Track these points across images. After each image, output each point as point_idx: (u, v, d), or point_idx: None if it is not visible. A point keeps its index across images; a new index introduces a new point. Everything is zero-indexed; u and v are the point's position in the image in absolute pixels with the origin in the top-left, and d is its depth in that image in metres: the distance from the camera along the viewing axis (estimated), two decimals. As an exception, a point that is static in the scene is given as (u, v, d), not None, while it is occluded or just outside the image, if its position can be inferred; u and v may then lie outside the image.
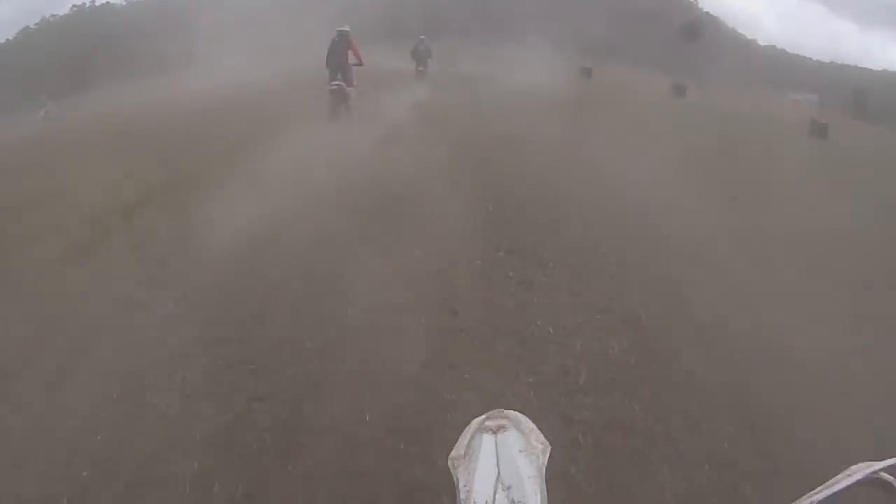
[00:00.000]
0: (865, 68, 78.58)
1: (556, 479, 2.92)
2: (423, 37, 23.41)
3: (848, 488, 1.20)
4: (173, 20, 60.54)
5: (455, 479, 1.36)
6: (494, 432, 1.45)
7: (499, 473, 1.30)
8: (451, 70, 28.94)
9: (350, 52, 14.61)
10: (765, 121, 25.81)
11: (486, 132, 15.27)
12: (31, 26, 79.29)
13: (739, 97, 37.06)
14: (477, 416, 1.56)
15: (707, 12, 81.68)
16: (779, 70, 77.45)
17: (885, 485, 1.21)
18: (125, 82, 51.27)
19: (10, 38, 78.52)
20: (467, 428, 1.55)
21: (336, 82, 14.63)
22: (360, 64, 14.98)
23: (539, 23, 55.73)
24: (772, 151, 17.82)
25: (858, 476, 1.23)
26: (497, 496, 1.24)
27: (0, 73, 65.19)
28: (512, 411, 1.58)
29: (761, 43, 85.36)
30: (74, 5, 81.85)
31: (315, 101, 16.78)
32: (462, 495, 1.28)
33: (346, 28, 14.61)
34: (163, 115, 19.94)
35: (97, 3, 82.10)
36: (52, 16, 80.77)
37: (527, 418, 1.55)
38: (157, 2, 78.68)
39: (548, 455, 1.40)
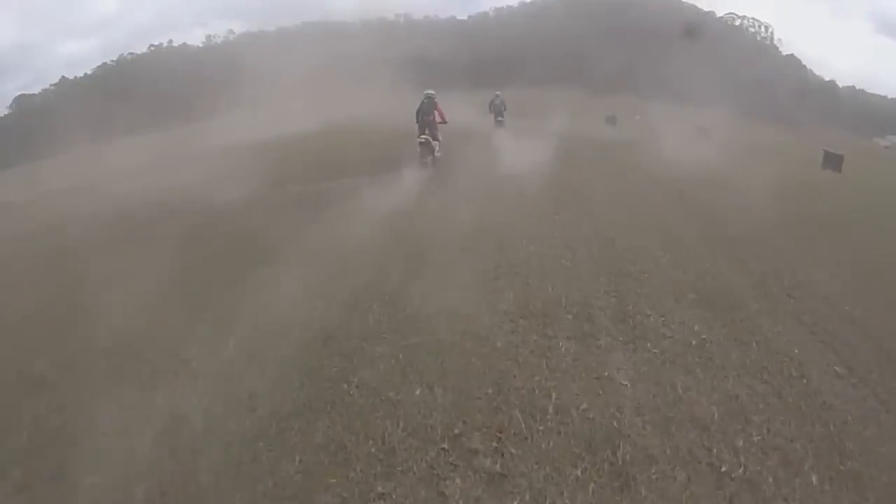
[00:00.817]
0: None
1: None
2: (499, 92, 23.35)
3: None
4: (248, 62, 57.34)
5: None
6: None
7: None
8: (540, 127, 23.86)
9: (436, 112, 15.43)
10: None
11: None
12: (109, 63, 77.74)
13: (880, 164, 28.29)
14: None
15: (792, 54, 73.11)
16: (860, 112, 67.88)
17: None
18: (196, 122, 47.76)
19: (89, 72, 77.27)
20: None
21: (424, 136, 15.32)
22: (444, 122, 15.72)
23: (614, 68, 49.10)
24: None
25: None
26: None
27: (73, 107, 63.10)
28: None
29: (840, 84, 76.21)
30: (153, 45, 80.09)
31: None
32: None
33: (432, 91, 15.48)
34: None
35: (175, 44, 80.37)
36: (130, 54, 79.07)
37: None
38: (234, 44, 76.33)
39: None
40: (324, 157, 19.46)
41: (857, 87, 78.62)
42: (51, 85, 75.62)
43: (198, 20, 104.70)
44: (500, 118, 22.70)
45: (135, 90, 67.05)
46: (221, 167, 18.07)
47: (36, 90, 74.37)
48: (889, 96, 76.38)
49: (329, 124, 30.98)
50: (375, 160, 16.53)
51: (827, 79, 74.64)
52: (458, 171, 14.92)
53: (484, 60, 55.37)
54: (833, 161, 22.25)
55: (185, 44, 79.01)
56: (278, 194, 14.04)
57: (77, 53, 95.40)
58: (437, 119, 15.47)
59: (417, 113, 15.40)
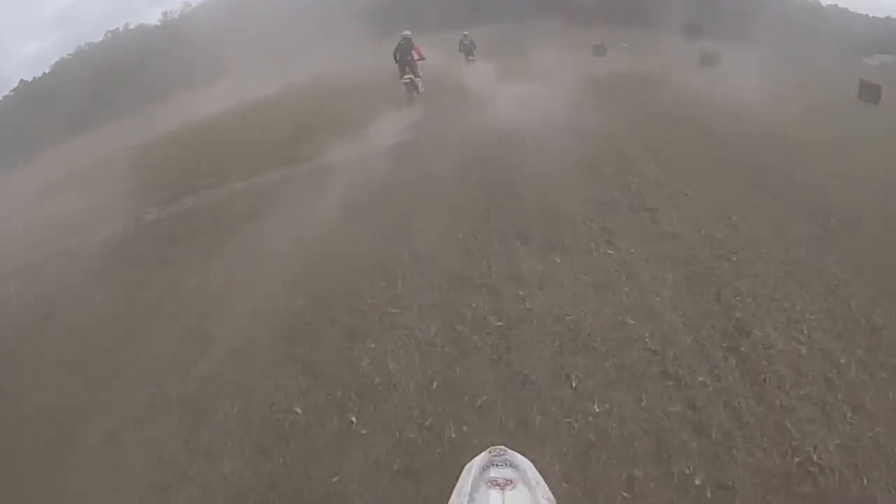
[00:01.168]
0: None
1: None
2: (467, 32, 22.81)
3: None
4: (207, 33, 51.57)
5: None
6: (502, 487, 1.31)
7: None
8: (524, 64, 19.68)
9: (413, 52, 15.54)
10: None
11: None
12: (66, 57, 70.43)
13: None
14: (477, 455, 1.38)
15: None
16: (844, 32, 61.17)
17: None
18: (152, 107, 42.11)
19: (47, 70, 70.14)
20: (467, 469, 1.38)
21: (407, 76, 15.47)
22: (423, 59, 15.83)
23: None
24: None
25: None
26: None
27: (33, 107, 58.32)
28: (514, 452, 1.40)
29: (823, 4, 68.47)
30: (108, 31, 72.38)
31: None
32: None
33: (409, 33, 15.62)
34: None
35: (131, 27, 72.62)
36: (87, 44, 71.63)
37: (531, 465, 1.38)
38: (191, 17, 68.85)
39: None
40: (256, 136, 14.77)
41: (840, 6, 70.58)
42: (10, 91, 68.64)
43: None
44: (470, 57, 22.23)
45: (94, 81, 61.28)
46: (115, 184, 13.00)
47: (-1, 98, 67.11)
48: (870, 14, 68.76)
49: (288, 87, 26.33)
50: (318, 134, 12.75)
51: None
52: (430, 142, 10.33)
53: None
54: (870, 92, 17.45)
55: (142, 24, 71.53)
56: (137, 233, 9.02)
57: (38, 53, 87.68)
58: (416, 57, 15.78)
59: (395, 53, 15.64)
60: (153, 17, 78.56)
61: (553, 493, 1.27)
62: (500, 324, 4.23)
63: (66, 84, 60.73)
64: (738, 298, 4.30)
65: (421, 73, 16.07)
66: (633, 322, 4.03)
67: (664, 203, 6.15)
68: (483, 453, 1.36)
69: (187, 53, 49.01)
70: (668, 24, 37.15)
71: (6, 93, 69.08)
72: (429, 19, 40.24)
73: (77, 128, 44.95)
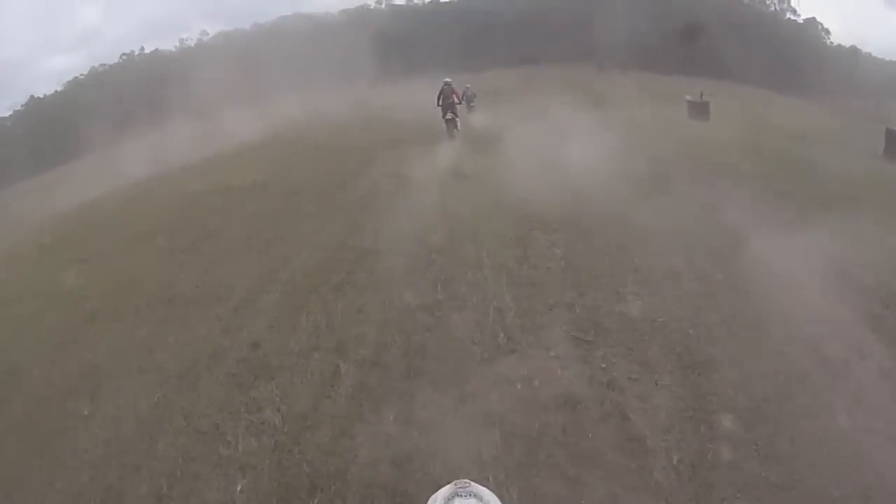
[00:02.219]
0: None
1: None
2: (469, 85, 22.78)
3: None
4: (219, 63, 45.66)
5: None
6: None
7: None
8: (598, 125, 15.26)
9: (454, 95, 17.43)
10: None
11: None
12: (80, 76, 64.42)
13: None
14: (442, 487, 1.31)
15: (813, 17, 57.82)
16: (874, 78, 53.46)
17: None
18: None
19: (59, 89, 64.04)
20: (432, 500, 1.29)
21: (449, 115, 17.22)
22: (460, 103, 18.02)
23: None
24: None
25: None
26: None
27: (45, 125, 52.63)
28: (478, 485, 1.32)
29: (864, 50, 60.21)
30: (124, 54, 66.43)
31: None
32: None
33: (449, 79, 17.30)
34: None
35: (146, 51, 66.56)
36: (102, 65, 65.59)
37: (495, 496, 1.30)
38: (207, 45, 62.71)
39: None
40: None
41: (864, 51, 62.45)
42: (21, 105, 62.22)
43: (181, 25, 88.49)
44: (472, 104, 22.72)
45: (103, 104, 55.32)
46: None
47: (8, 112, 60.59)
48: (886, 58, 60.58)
49: (272, 135, 23.96)
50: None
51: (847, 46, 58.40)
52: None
53: (475, 38, 42.22)
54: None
55: (157, 49, 65.35)
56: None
57: (63, 69, 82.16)
58: (455, 101, 17.51)
59: (439, 97, 17.42)
60: (171, 43, 71.42)
61: None
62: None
63: (70, 105, 55.10)
64: None
65: (459, 113, 17.75)
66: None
67: None
68: (447, 486, 1.27)
69: (197, 82, 43.33)
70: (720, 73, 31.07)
71: (17, 108, 63.19)
72: (447, 60, 33.95)
73: (79, 151, 40.12)
